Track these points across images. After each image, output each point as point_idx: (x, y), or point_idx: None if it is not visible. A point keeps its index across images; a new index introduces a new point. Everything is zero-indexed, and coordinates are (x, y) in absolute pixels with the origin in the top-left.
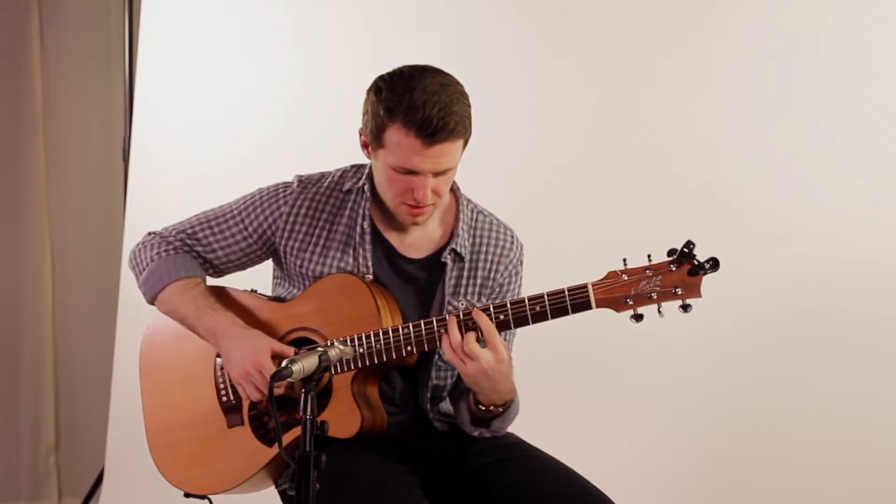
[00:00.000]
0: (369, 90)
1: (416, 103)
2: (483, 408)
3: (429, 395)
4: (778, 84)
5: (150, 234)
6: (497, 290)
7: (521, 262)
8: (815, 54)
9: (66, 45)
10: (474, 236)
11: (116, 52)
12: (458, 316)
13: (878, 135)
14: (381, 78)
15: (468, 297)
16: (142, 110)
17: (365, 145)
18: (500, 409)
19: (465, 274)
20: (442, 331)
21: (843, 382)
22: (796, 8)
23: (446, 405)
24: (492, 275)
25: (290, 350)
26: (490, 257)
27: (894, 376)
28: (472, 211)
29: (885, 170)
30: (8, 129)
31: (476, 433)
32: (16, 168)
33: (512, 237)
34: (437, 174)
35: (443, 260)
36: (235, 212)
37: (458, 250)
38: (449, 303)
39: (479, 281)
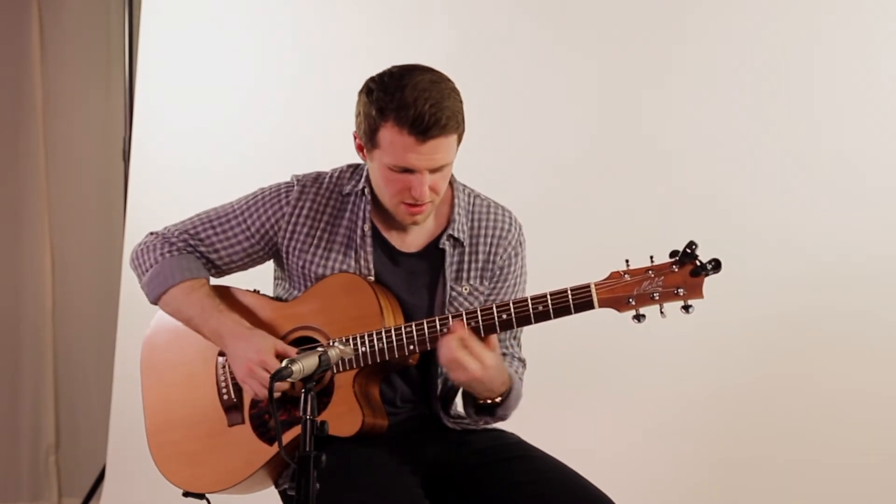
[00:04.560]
0: (360, 92)
1: (408, 101)
2: (481, 401)
3: (439, 393)
4: (779, 87)
5: (151, 234)
6: (498, 273)
7: (521, 244)
8: (815, 57)
9: (66, 45)
10: (472, 220)
11: (116, 53)
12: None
13: (877, 137)
14: (372, 79)
15: (471, 282)
16: (142, 110)
17: (360, 148)
18: (500, 399)
19: (466, 258)
20: (442, 332)
21: (843, 383)
22: (796, 10)
23: (459, 408)
24: (492, 257)
25: (293, 350)
26: (489, 239)
27: (894, 376)
28: (469, 195)
29: (883, 171)
30: (8, 129)
31: (482, 422)
32: (16, 168)
33: (510, 218)
34: (433, 171)
35: (441, 246)
36: (238, 211)
37: (456, 235)
38: (452, 289)
39: (480, 264)
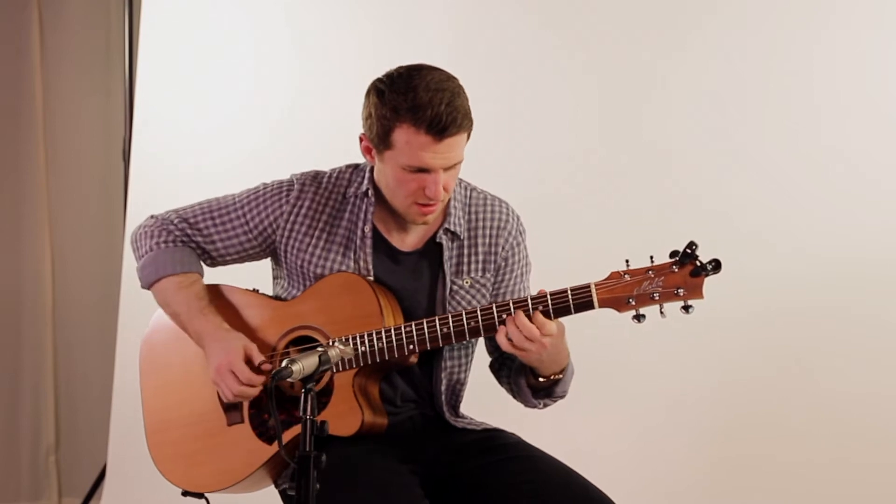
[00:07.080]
0: (368, 94)
1: (423, 101)
2: (543, 379)
3: (443, 395)
4: (779, 87)
5: (152, 217)
6: (503, 264)
7: (521, 233)
8: (815, 57)
9: (66, 45)
10: (469, 213)
11: (116, 52)
12: (508, 309)
13: (877, 137)
14: (379, 80)
15: (472, 275)
16: (142, 110)
17: (367, 150)
18: (560, 375)
19: (466, 252)
20: (503, 319)
21: (842, 383)
22: (796, 10)
23: (464, 410)
24: (493, 248)
25: (258, 354)
26: (488, 231)
27: (893, 376)
28: (466, 189)
29: (884, 171)
30: (8, 129)
31: (541, 405)
32: (16, 168)
33: (508, 209)
34: (446, 169)
35: (438, 241)
36: (238, 205)
37: (452, 229)
38: (453, 283)
39: (480, 257)
